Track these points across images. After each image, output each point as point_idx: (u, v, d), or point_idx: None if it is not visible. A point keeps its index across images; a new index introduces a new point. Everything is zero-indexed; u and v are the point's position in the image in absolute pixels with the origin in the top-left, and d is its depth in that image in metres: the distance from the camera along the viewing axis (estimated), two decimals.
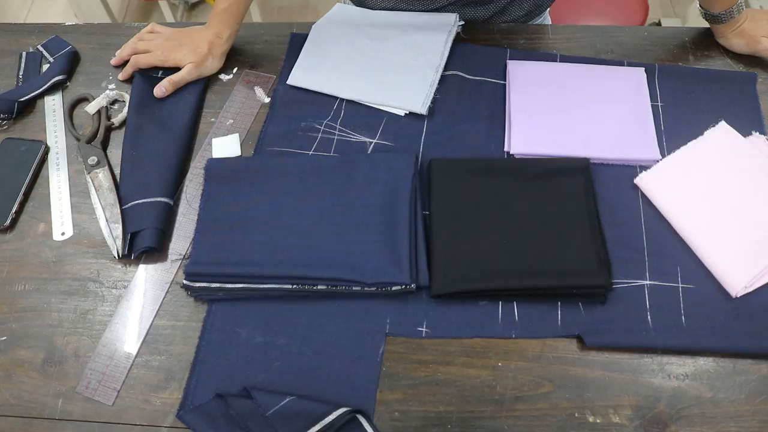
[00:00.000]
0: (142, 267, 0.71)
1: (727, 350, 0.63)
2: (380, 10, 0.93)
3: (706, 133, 0.78)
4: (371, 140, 0.79)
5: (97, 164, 0.77)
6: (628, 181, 0.75)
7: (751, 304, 0.66)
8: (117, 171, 0.78)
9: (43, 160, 0.80)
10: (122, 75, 0.87)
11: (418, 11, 0.91)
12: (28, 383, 0.65)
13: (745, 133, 0.77)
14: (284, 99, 0.84)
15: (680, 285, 0.67)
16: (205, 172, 0.76)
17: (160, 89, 0.82)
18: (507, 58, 0.87)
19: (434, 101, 0.83)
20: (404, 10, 0.92)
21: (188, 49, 0.84)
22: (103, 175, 0.76)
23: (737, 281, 0.66)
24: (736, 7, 0.83)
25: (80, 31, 0.94)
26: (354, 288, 0.66)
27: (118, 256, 0.71)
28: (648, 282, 0.68)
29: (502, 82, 0.85)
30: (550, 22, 1.05)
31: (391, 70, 0.85)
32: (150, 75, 0.86)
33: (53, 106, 0.86)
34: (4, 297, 0.70)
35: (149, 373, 0.65)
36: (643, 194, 0.74)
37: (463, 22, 0.90)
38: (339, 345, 0.65)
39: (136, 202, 0.73)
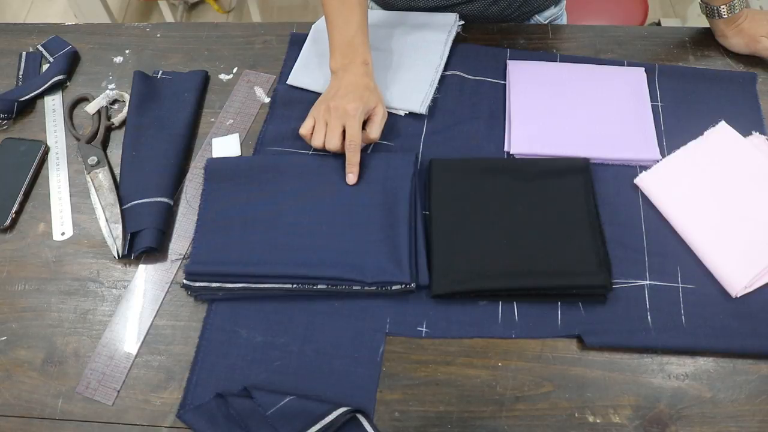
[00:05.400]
0: (142, 267, 0.71)
1: (727, 350, 0.63)
2: (401, 5, 0.93)
3: (706, 133, 0.78)
4: None
5: (97, 164, 0.77)
6: (628, 181, 0.75)
7: (751, 304, 0.66)
8: (117, 171, 0.78)
9: (43, 160, 0.80)
10: (354, 174, 0.73)
11: (436, 6, 0.91)
12: (28, 383, 0.65)
13: (745, 133, 0.77)
14: (284, 99, 0.84)
15: (680, 285, 0.67)
16: (204, 172, 0.76)
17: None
18: (507, 58, 0.87)
19: (434, 101, 0.83)
20: (423, 7, 0.92)
21: (361, 94, 0.73)
22: (103, 175, 0.76)
23: (737, 281, 0.66)
24: (738, 1, 0.83)
25: (80, 31, 0.94)
26: (354, 287, 0.66)
27: (118, 256, 0.71)
28: (648, 282, 0.68)
29: (502, 82, 0.85)
30: (566, 22, 1.04)
31: (390, 70, 0.85)
32: (150, 75, 0.86)
33: (53, 106, 0.86)
34: (4, 297, 0.70)
35: (149, 373, 0.65)
36: (643, 194, 0.74)
37: (462, 22, 0.90)
38: (339, 345, 0.65)
39: (136, 202, 0.73)
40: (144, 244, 0.70)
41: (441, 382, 0.63)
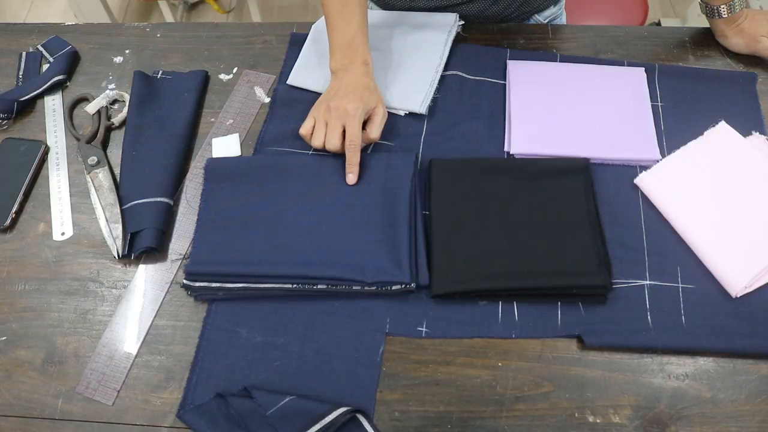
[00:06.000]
0: (142, 267, 0.71)
1: (727, 350, 0.63)
2: (400, 6, 0.93)
3: (706, 133, 0.78)
4: None
5: (97, 164, 0.77)
6: (628, 181, 0.75)
7: (751, 304, 0.66)
8: (117, 171, 0.78)
9: (43, 160, 0.80)
10: (354, 174, 0.73)
11: (435, 7, 0.91)
12: (28, 383, 0.65)
13: (745, 133, 0.77)
14: (284, 99, 0.84)
15: (680, 285, 0.67)
16: (204, 172, 0.76)
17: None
18: (507, 58, 0.87)
19: (434, 101, 0.83)
20: (422, 7, 0.92)
21: (361, 94, 0.73)
22: (103, 175, 0.76)
23: (737, 281, 0.66)
24: (737, 1, 0.83)
25: (80, 31, 0.94)
26: (354, 287, 0.66)
27: (118, 256, 0.71)
28: (648, 282, 0.68)
29: (502, 82, 0.85)
30: (565, 22, 1.04)
31: (390, 70, 0.85)
32: (150, 75, 0.86)
33: (53, 106, 0.86)
34: (4, 297, 0.70)
35: (149, 373, 0.65)
36: (643, 194, 0.74)
37: (462, 22, 0.90)
38: (339, 345, 0.65)
39: (136, 202, 0.73)
40: (144, 244, 0.70)
41: (441, 382, 0.63)
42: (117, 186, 0.76)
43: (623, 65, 0.86)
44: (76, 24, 0.96)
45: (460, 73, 0.85)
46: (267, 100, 0.85)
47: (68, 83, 0.88)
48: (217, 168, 0.76)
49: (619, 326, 0.65)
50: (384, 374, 0.63)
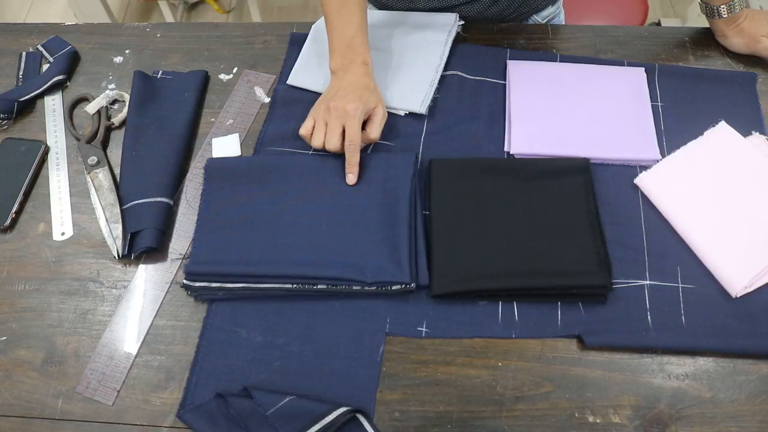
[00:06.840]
0: (142, 267, 0.71)
1: (727, 350, 0.63)
2: (399, 8, 0.93)
3: (706, 133, 0.78)
4: None
5: (97, 164, 0.77)
6: (628, 181, 0.75)
7: (751, 304, 0.66)
8: (117, 171, 0.78)
9: (43, 160, 0.80)
10: (353, 174, 0.73)
11: (434, 8, 0.91)
12: (28, 383, 0.65)
13: (745, 133, 0.77)
14: (284, 99, 0.84)
15: (680, 285, 0.67)
16: (204, 172, 0.76)
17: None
18: (507, 58, 0.87)
19: (434, 101, 0.83)
20: (422, 8, 0.92)
21: (361, 93, 0.73)
22: (103, 175, 0.76)
23: (737, 281, 0.66)
24: (737, 1, 0.83)
25: (80, 31, 0.94)
26: (354, 287, 0.66)
27: (118, 256, 0.71)
28: (648, 282, 0.68)
29: (502, 82, 0.85)
30: (563, 21, 1.04)
31: (390, 70, 0.85)
32: (150, 75, 0.86)
33: (53, 106, 0.86)
34: (4, 297, 0.70)
35: (149, 373, 0.65)
36: (643, 194, 0.74)
37: (462, 22, 0.90)
38: (339, 345, 0.65)
39: (136, 202, 0.73)
40: (144, 244, 0.70)
41: (441, 382, 0.63)
42: (117, 186, 0.76)
43: (623, 65, 0.86)
44: (76, 24, 0.96)
45: (460, 73, 0.85)
46: (267, 100, 0.85)
47: (68, 83, 0.88)
48: (217, 168, 0.76)
49: (619, 326, 0.65)
50: (384, 374, 0.63)
